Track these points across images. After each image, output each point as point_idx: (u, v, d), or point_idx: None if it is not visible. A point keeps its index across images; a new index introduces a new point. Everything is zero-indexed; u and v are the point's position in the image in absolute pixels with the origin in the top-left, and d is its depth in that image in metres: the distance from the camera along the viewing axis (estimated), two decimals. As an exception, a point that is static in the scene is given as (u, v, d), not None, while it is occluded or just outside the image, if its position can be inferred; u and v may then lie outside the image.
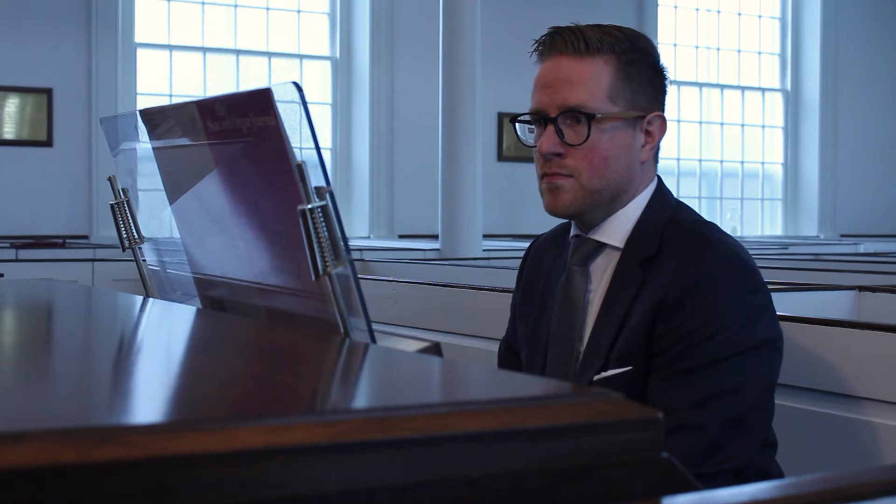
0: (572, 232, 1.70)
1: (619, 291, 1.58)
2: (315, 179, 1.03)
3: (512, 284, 3.16)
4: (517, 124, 1.70)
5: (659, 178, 1.69)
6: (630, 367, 1.53)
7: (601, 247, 1.64)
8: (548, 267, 1.74)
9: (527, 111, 1.67)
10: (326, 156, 8.46)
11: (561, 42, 1.63)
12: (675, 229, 1.60)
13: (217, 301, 1.43)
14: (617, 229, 1.63)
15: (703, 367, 1.48)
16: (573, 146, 1.59)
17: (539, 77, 1.65)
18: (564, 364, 1.63)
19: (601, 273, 1.63)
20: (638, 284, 1.56)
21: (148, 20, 7.97)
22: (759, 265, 1.63)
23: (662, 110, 1.67)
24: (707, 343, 1.48)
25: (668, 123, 1.72)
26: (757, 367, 1.51)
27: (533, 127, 1.67)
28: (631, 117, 1.61)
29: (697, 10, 10.21)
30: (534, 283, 1.77)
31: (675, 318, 1.50)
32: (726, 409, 1.48)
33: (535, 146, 1.64)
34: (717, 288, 1.51)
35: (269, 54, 8.46)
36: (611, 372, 1.54)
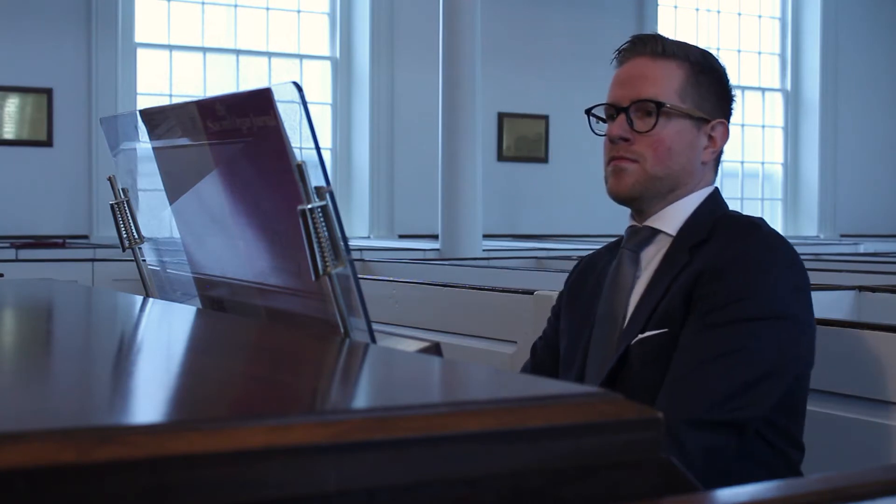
0: (629, 223, 1.79)
1: (665, 272, 1.67)
2: (315, 179, 1.03)
3: (512, 285, 3.16)
4: (590, 116, 1.80)
5: (717, 187, 1.79)
6: (666, 330, 1.60)
7: (655, 234, 1.74)
8: (599, 271, 1.82)
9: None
10: (326, 156, 8.46)
11: (641, 45, 1.76)
12: (726, 221, 1.70)
13: (217, 301, 1.43)
14: (671, 218, 1.73)
15: (727, 322, 1.55)
16: (641, 133, 1.71)
17: (616, 76, 1.78)
18: (607, 344, 1.69)
19: (652, 259, 1.72)
20: (683, 264, 1.65)
21: (148, 20, 7.97)
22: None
23: (728, 122, 1.79)
24: (734, 305, 1.55)
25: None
26: (777, 336, 1.56)
27: (604, 122, 1.79)
28: (696, 116, 1.73)
29: (697, 10, 10.21)
30: (582, 284, 1.84)
31: (712, 285, 1.58)
32: (742, 365, 1.53)
33: (604, 135, 1.76)
34: (757, 263, 1.59)
35: (269, 54, 8.46)
36: (647, 333, 1.61)
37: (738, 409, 1.51)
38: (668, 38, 1.76)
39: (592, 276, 1.82)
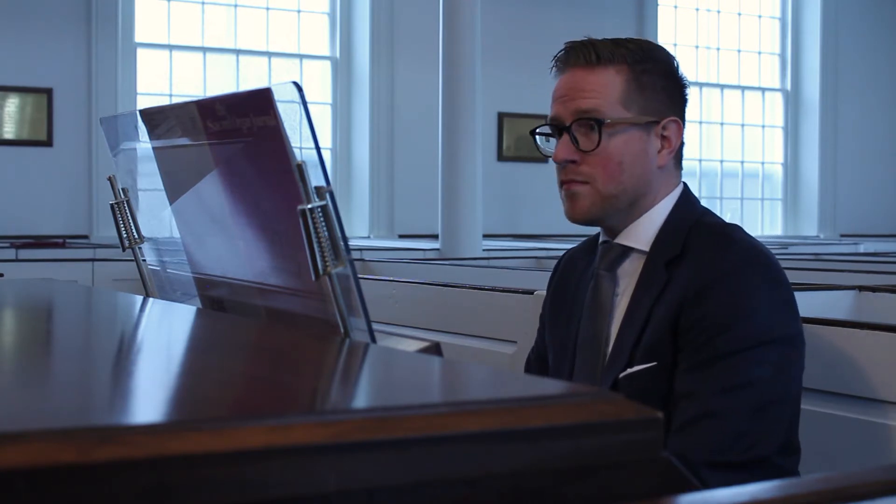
0: (600, 239, 1.74)
1: (644, 293, 1.61)
2: (315, 179, 1.03)
3: (512, 285, 3.16)
4: (536, 136, 1.74)
5: (685, 184, 1.73)
6: (654, 363, 1.56)
7: (627, 251, 1.68)
8: (578, 276, 1.77)
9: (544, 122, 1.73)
10: (326, 156, 8.46)
11: (574, 56, 1.68)
12: (699, 231, 1.63)
13: (217, 301, 1.43)
14: (642, 233, 1.67)
15: (725, 355, 1.51)
16: (587, 153, 1.64)
17: (555, 90, 1.70)
18: (592, 368, 1.65)
19: (628, 277, 1.67)
20: (662, 284, 1.59)
21: (148, 20, 7.97)
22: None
23: (681, 117, 1.71)
24: (728, 333, 1.51)
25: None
26: (778, 360, 1.53)
27: (552, 138, 1.72)
28: (643, 122, 1.65)
29: (697, 10, 10.21)
30: (563, 292, 1.79)
31: (697, 311, 1.53)
32: (749, 397, 1.50)
33: (550, 156, 1.70)
34: (738, 281, 1.54)
35: (269, 54, 8.46)
36: (636, 368, 1.56)
37: (754, 445, 1.49)
38: (602, 42, 1.68)
39: (572, 282, 1.77)
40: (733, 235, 1.61)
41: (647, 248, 1.65)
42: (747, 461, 1.48)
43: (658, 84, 1.67)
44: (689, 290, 1.55)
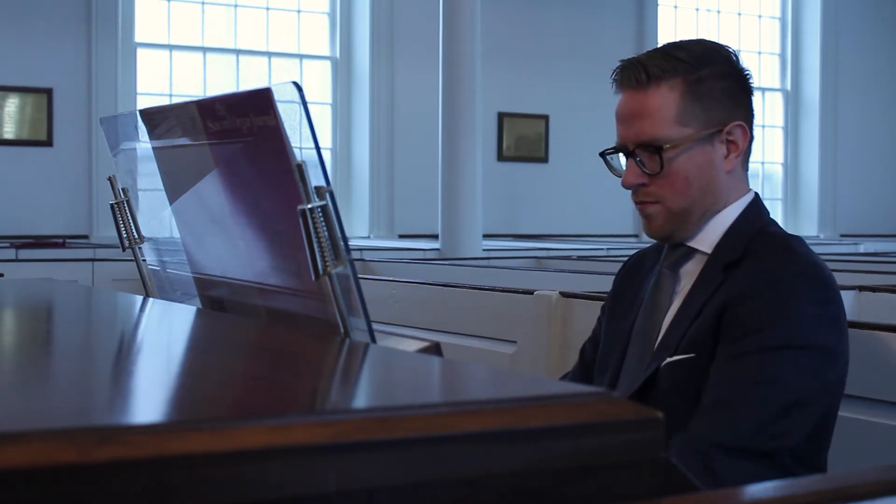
0: None
1: (699, 291, 1.63)
2: (315, 179, 1.03)
3: (512, 285, 3.16)
4: (607, 157, 1.75)
5: (756, 193, 1.73)
6: (693, 355, 1.57)
7: (692, 252, 1.69)
8: (645, 273, 1.79)
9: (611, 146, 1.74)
10: (326, 156, 8.46)
11: (625, 77, 1.67)
12: (762, 239, 1.64)
13: (217, 301, 1.43)
14: (708, 235, 1.68)
15: (755, 351, 1.52)
16: (653, 175, 1.66)
17: (616, 111, 1.71)
18: (640, 360, 1.67)
19: (689, 277, 1.68)
20: (716, 285, 1.61)
21: (148, 20, 7.97)
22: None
23: (746, 116, 1.69)
24: (764, 331, 1.52)
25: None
26: (807, 366, 1.53)
27: (620, 156, 1.74)
28: (705, 135, 1.65)
29: (697, 10, 10.21)
30: (627, 287, 1.82)
31: (741, 309, 1.55)
32: (771, 395, 1.50)
33: (620, 178, 1.71)
34: (788, 290, 1.55)
35: (269, 54, 8.46)
36: (676, 358, 1.58)
37: (772, 439, 1.49)
38: (650, 58, 1.66)
39: (638, 278, 1.80)
40: (795, 247, 1.61)
41: (709, 250, 1.67)
42: (760, 452, 1.49)
43: (716, 89, 1.65)
44: (739, 291, 1.56)
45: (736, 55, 1.70)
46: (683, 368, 1.57)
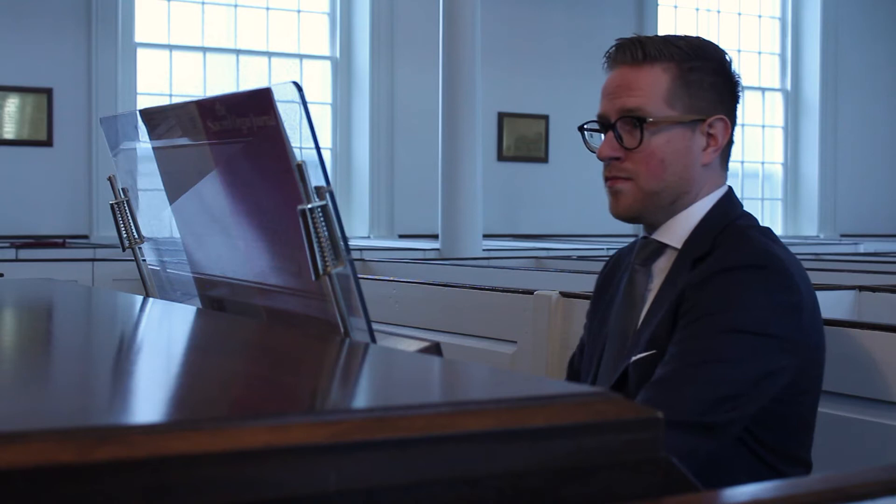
0: (641, 234, 1.75)
1: (669, 288, 1.63)
2: (315, 179, 1.03)
3: (512, 285, 3.16)
4: (584, 132, 1.75)
5: (730, 187, 1.73)
6: (654, 352, 1.57)
7: (663, 247, 1.69)
8: (621, 274, 1.79)
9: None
10: (326, 156, 8.46)
11: (622, 53, 1.69)
12: (729, 232, 1.64)
13: (217, 301, 1.43)
14: (678, 230, 1.68)
15: (704, 335, 1.52)
16: (630, 150, 1.65)
17: (603, 87, 1.71)
18: (616, 359, 1.68)
19: (662, 273, 1.68)
20: (684, 280, 1.60)
21: (148, 20, 7.97)
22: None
23: (730, 115, 1.71)
24: (715, 315, 1.53)
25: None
26: (757, 352, 1.52)
27: (600, 134, 1.73)
28: (688, 120, 1.66)
29: (697, 10, 10.21)
30: (606, 289, 1.81)
31: (694, 297, 1.55)
32: (714, 374, 1.51)
33: (595, 153, 1.71)
34: (741, 276, 1.55)
35: (269, 54, 8.46)
36: (640, 355, 1.58)
37: (711, 415, 1.49)
38: (650, 40, 1.68)
39: (616, 278, 1.79)
40: (752, 237, 1.61)
41: (679, 245, 1.66)
42: (698, 425, 1.49)
43: (706, 81, 1.67)
44: (692, 281, 1.57)
45: (730, 61, 1.73)
46: (648, 365, 1.57)
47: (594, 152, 1.71)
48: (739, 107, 1.74)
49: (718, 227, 1.65)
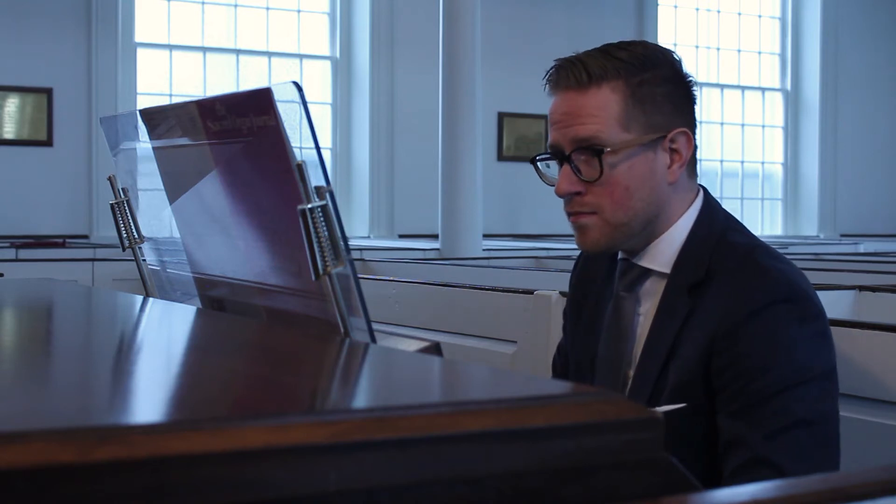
0: (619, 255, 1.65)
1: (667, 320, 1.53)
2: (315, 179, 1.03)
3: (512, 285, 3.16)
4: (538, 163, 1.64)
5: (705, 191, 1.63)
6: (684, 405, 1.48)
7: (647, 272, 1.59)
8: (600, 282, 1.69)
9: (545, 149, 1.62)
10: (326, 156, 8.46)
11: (564, 76, 1.56)
12: (724, 252, 1.54)
13: (217, 301, 1.43)
14: (662, 254, 1.58)
15: (767, 398, 1.44)
16: (591, 182, 1.54)
17: (550, 113, 1.59)
18: (612, 390, 1.59)
19: (651, 297, 1.59)
20: (686, 312, 1.52)
21: (148, 20, 7.97)
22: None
23: (690, 123, 1.59)
24: (768, 374, 1.44)
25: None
26: (820, 395, 1.46)
27: (554, 163, 1.62)
28: (648, 141, 1.54)
29: (697, 9, 10.21)
30: (584, 296, 1.72)
31: (731, 353, 1.46)
32: (796, 439, 1.44)
33: (552, 186, 1.59)
34: (770, 318, 1.46)
35: (269, 54, 8.46)
36: (665, 408, 1.47)
37: (816, 471, 1.41)
38: (591, 58, 1.54)
39: (594, 285, 1.70)
40: (761, 263, 1.51)
41: (667, 269, 1.56)
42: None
43: (658, 94, 1.55)
44: (720, 329, 1.47)
45: (679, 61, 1.60)
46: (676, 418, 1.46)
47: (552, 186, 1.58)
48: (697, 108, 1.62)
49: (708, 246, 1.55)
